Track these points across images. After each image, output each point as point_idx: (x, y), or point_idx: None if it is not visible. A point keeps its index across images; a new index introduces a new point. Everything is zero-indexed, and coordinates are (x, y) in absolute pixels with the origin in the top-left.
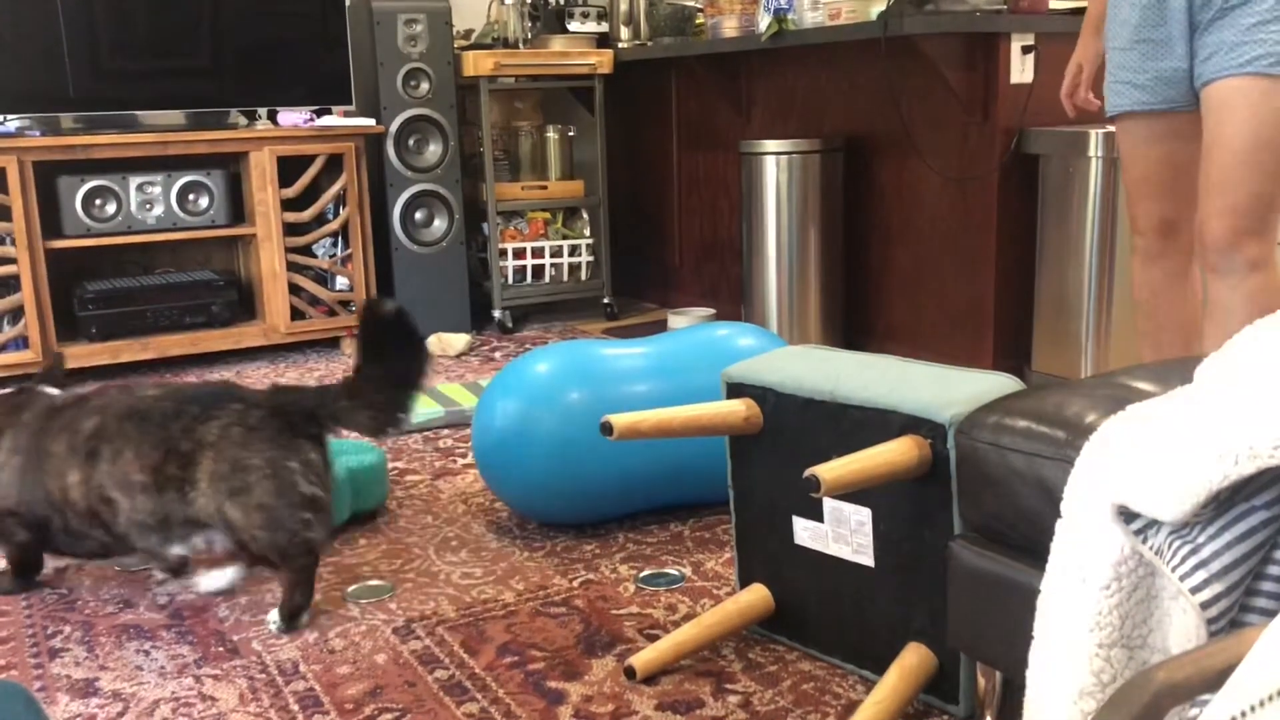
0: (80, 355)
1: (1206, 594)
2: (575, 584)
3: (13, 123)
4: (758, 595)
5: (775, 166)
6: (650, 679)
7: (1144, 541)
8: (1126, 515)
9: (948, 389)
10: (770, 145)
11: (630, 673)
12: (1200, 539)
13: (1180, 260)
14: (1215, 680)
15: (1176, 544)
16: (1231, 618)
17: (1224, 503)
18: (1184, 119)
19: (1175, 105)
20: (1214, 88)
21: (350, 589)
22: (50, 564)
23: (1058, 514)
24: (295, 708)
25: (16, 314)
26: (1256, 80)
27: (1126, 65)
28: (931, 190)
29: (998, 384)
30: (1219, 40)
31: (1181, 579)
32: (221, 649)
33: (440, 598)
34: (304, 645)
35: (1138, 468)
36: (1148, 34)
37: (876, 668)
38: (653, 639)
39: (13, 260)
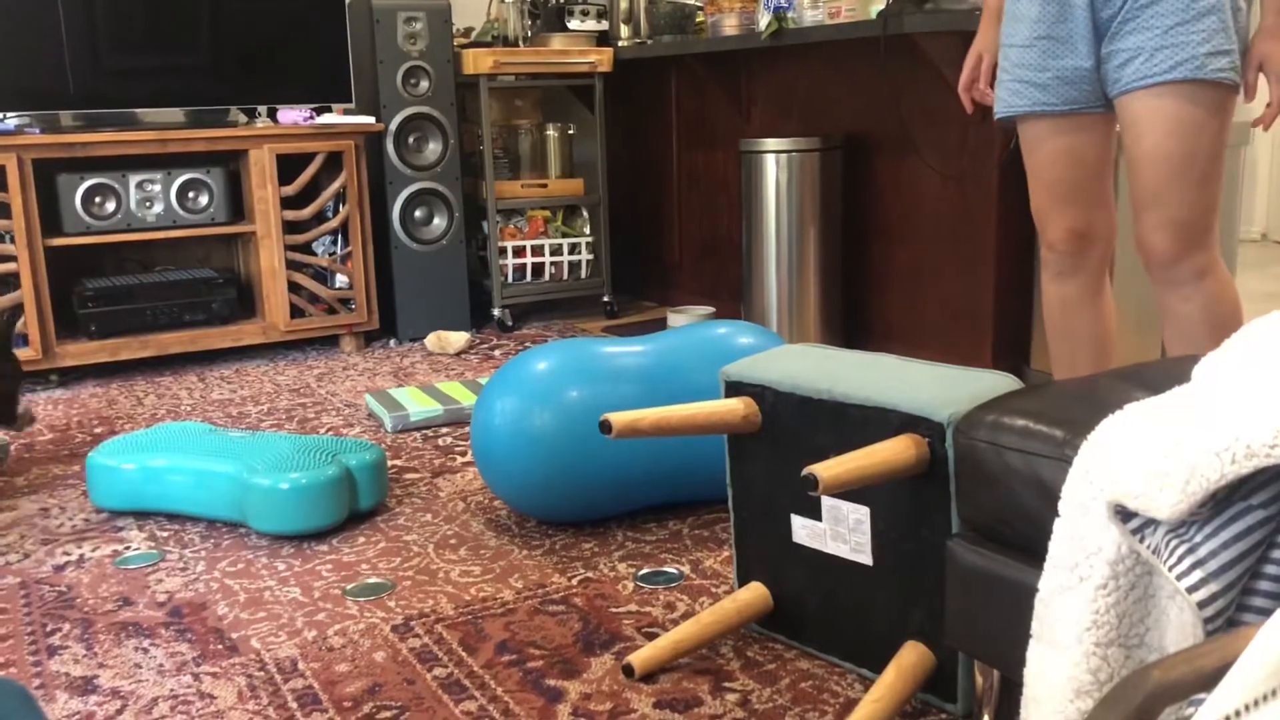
0: (80, 353)
1: (1203, 593)
2: (574, 582)
3: (12, 120)
4: (756, 594)
5: (775, 165)
6: (649, 677)
7: (1141, 540)
8: (1124, 514)
9: (946, 388)
10: (770, 144)
11: (629, 671)
12: (1197, 538)
13: (1092, 275)
14: (1210, 679)
15: (1174, 543)
16: (1229, 617)
17: (1221, 501)
18: (1089, 120)
19: (1077, 106)
20: (1133, 98)
21: (349, 587)
22: (49, 562)
23: (1055, 513)
24: (294, 705)
25: (16, 311)
26: (1179, 88)
27: (1025, 63)
28: (931, 189)
29: (996, 383)
30: (1136, 45)
31: (1179, 578)
32: (220, 647)
33: (439, 595)
34: (303, 643)
35: (1135, 467)
36: (1048, 30)
37: (875, 666)
38: (651, 637)
39: (12, 258)
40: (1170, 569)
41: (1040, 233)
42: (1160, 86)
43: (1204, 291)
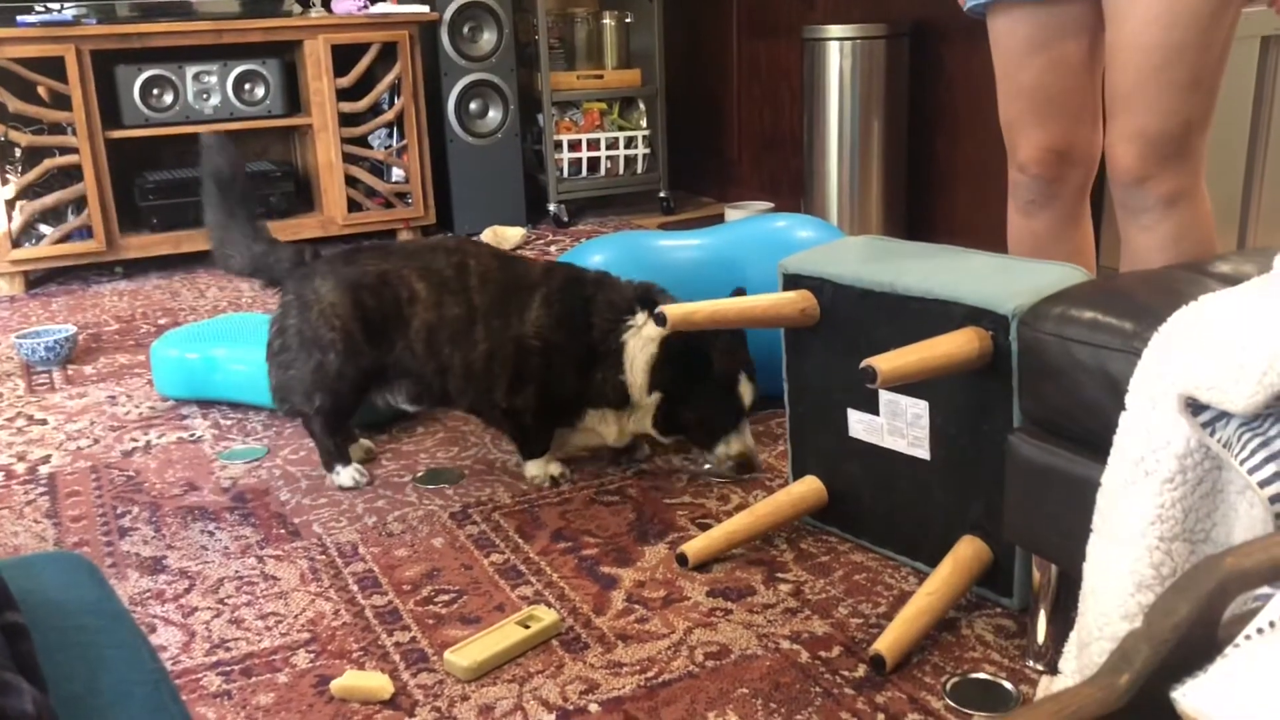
0: (143, 245)
1: (1277, 487)
2: (628, 473)
3: (69, 10)
4: (810, 487)
5: (839, 54)
6: (702, 566)
7: (1212, 434)
8: (1194, 407)
9: (1012, 280)
10: (834, 31)
11: (682, 560)
12: (1272, 431)
13: (1068, 206)
14: None
15: (1246, 436)
16: None
17: None
18: (1073, 12)
19: None
20: None
21: (419, 474)
22: (118, 447)
23: (1122, 406)
24: (354, 588)
25: (80, 204)
26: None
27: None
28: None
29: (1063, 275)
30: None
31: (1250, 472)
32: (283, 531)
33: (496, 485)
34: (363, 529)
35: (1208, 358)
36: None
37: (930, 560)
38: (705, 528)
39: (74, 150)
40: (1242, 463)
41: (1010, 152)
42: None
43: (1170, 223)
